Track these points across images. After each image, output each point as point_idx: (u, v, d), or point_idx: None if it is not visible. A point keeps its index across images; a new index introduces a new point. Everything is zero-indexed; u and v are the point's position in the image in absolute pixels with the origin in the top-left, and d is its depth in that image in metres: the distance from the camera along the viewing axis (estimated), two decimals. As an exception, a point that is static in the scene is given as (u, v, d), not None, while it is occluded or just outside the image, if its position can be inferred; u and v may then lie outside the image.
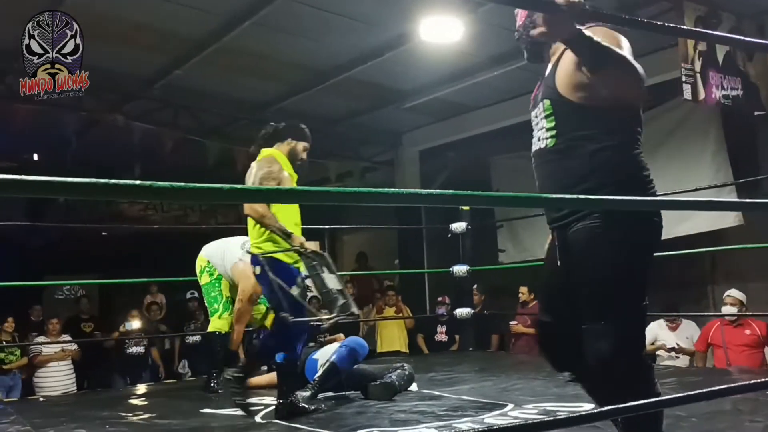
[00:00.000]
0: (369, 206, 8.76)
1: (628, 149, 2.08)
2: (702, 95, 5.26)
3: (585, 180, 2.05)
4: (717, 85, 5.32)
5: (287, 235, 3.46)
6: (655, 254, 2.16)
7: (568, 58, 2.09)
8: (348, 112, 8.80)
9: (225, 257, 4.54)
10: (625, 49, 2.01)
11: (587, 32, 1.89)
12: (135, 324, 7.19)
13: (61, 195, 1.14)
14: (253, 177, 3.59)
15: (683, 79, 5.19)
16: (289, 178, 3.63)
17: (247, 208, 3.52)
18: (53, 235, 10.10)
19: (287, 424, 3.33)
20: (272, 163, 3.61)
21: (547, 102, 2.14)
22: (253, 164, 3.71)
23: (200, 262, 4.65)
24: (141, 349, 7.25)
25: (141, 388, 5.46)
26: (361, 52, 6.88)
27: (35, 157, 9.95)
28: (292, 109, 8.43)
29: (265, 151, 3.75)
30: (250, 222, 3.58)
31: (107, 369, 7.24)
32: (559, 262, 2.15)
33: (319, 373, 3.97)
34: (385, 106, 8.49)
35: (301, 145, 3.80)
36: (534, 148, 2.22)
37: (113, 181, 1.10)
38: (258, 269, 3.54)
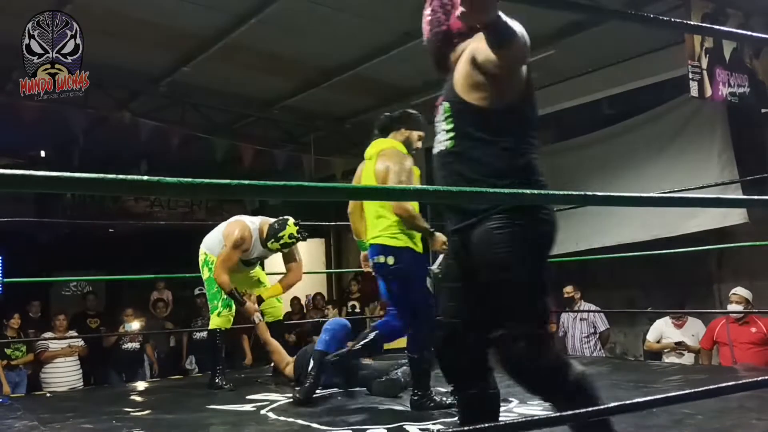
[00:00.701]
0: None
1: (521, 152, 2.11)
2: (709, 92, 5.24)
3: (480, 182, 2.05)
4: (724, 82, 5.31)
5: (431, 234, 3.47)
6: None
7: (464, 60, 2.11)
8: (354, 109, 8.80)
9: (222, 238, 4.55)
10: None
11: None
12: (134, 325, 7.19)
13: (67, 190, 1.15)
14: (393, 175, 3.48)
15: (690, 76, 5.17)
16: (413, 172, 3.59)
17: (397, 208, 3.44)
18: (60, 232, 10.15)
19: (292, 420, 3.34)
20: (403, 159, 3.55)
21: (446, 104, 2.17)
22: (374, 157, 3.65)
23: (201, 255, 4.65)
24: (136, 345, 7.23)
25: (147, 384, 5.49)
26: (368, 49, 6.88)
27: (42, 153, 10.00)
28: (298, 106, 8.44)
29: (382, 143, 3.69)
30: (379, 213, 3.56)
31: (105, 365, 7.25)
32: (461, 265, 2.18)
33: (312, 364, 3.94)
34: (391, 103, 8.48)
35: (415, 134, 3.74)
36: (434, 150, 2.24)
37: (119, 176, 1.10)
38: (391, 260, 3.51)
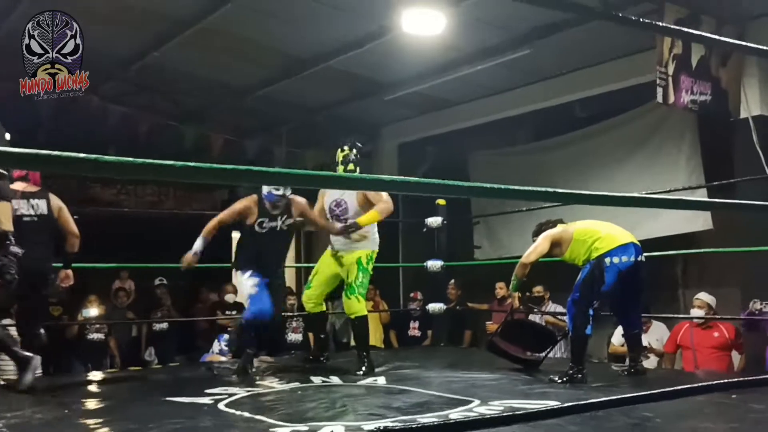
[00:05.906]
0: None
1: None
2: (672, 99, 5.29)
3: None
4: (687, 89, 5.36)
5: None
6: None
7: None
8: (327, 102, 8.74)
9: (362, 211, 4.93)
10: None
11: None
12: (93, 311, 7.10)
13: (24, 168, 1.08)
14: None
15: (657, 81, 5.23)
16: None
17: None
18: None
19: (246, 414, 3.27)
20: None
21: None
22: None
23: (360, 256, 5.04)
24: (101, 336, 7.14)
25: (105, 375, 5.38)
26: (343, 41, 6.83)
27: (7, 137, 9.76)
28: (272, 96, 8.35)
29: None
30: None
31: (68, 354, 7.13)
32: None
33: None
34: (365, 98, 8.44)
35: None
36: None
37: (67, 153, 1.05)
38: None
